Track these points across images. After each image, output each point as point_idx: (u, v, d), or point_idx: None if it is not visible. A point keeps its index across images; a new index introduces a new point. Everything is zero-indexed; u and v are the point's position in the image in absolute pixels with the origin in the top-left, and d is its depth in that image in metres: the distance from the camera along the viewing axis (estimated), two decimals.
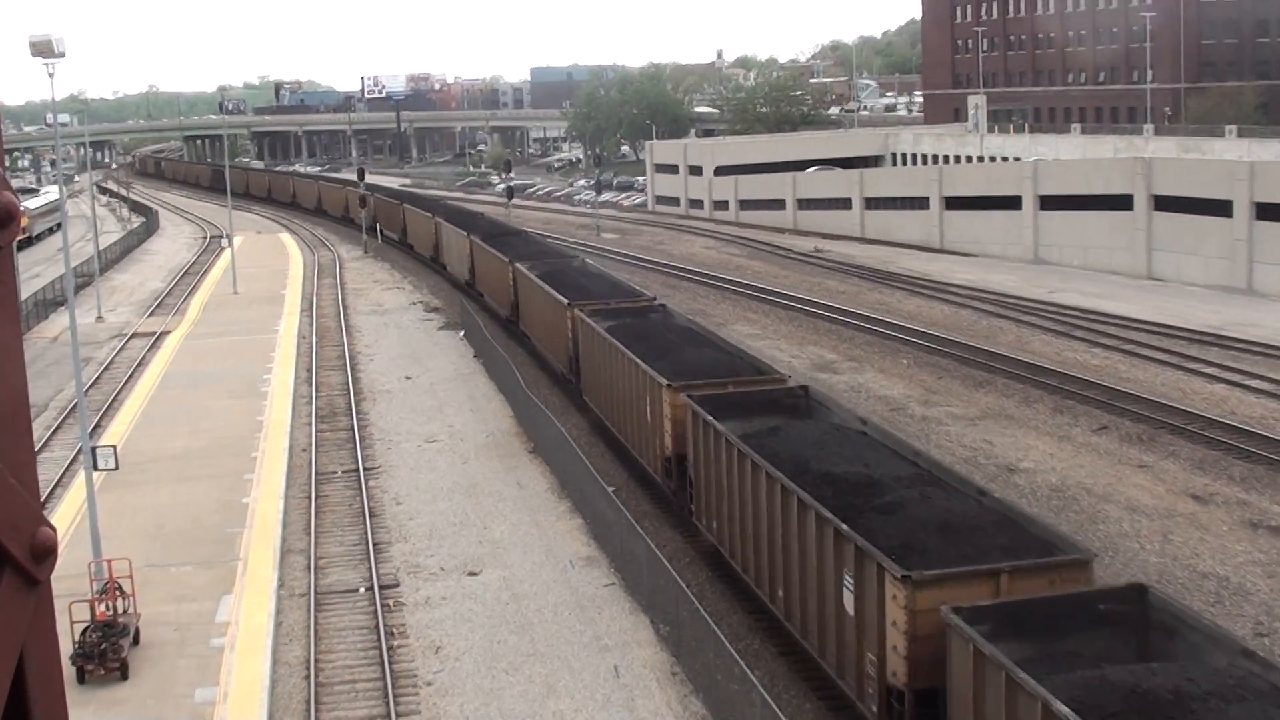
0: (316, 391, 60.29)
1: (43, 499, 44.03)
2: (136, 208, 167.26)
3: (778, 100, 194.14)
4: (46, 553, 3.46)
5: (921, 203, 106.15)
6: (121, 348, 73.60)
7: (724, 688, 27.67)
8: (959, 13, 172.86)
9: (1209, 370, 57.31)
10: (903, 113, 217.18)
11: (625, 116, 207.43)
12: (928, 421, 51.53)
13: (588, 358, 51.02)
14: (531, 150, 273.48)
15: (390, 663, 31.49)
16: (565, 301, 54.61)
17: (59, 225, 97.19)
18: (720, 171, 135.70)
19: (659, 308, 53.84)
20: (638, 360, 42.04)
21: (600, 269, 68.39)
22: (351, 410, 56.50)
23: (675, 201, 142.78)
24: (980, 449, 47.58)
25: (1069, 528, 36.15)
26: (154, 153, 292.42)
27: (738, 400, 36.62)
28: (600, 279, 63.16)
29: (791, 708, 27.91)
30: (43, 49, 41.59)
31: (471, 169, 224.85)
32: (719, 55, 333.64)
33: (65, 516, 41.43)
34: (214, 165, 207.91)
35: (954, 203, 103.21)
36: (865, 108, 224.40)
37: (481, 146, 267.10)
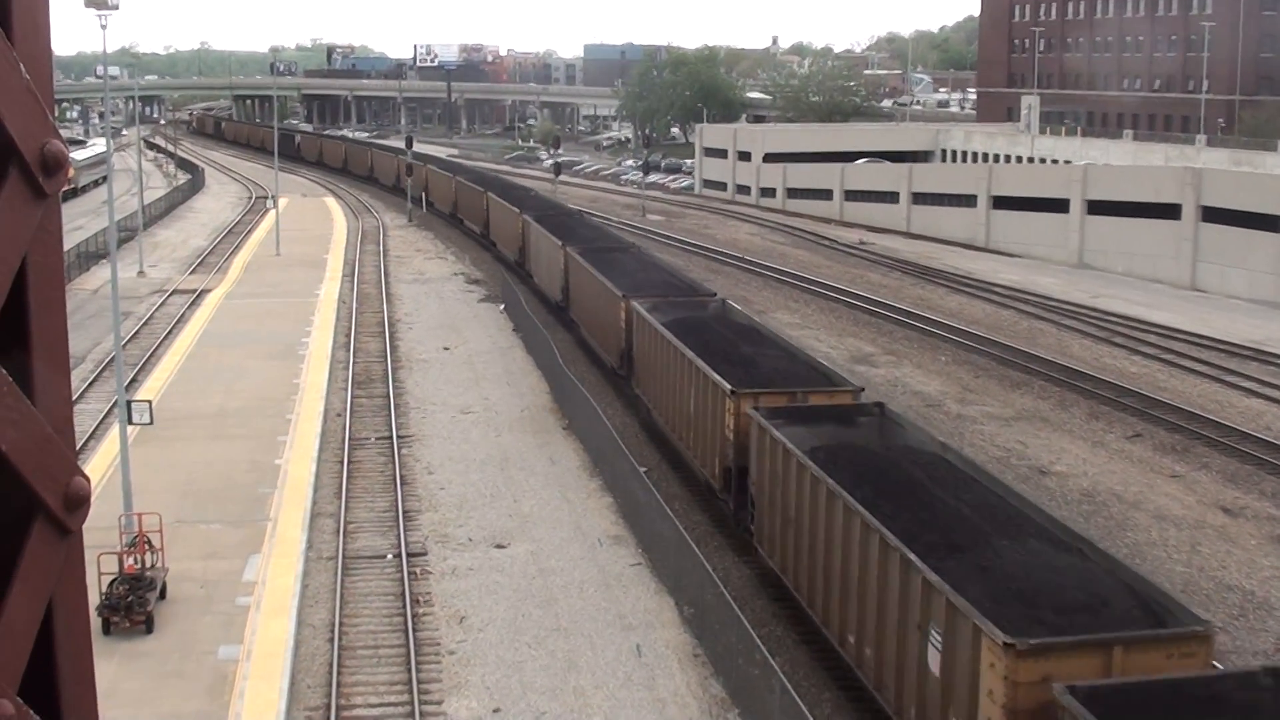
0: (354, 357, 60.44)
1: (77, 450, 44.61)
2: (183, 164, 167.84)
3: (830, 90, 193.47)
4: (79, 502, 3.50)
5: (969, 200, 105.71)
6: (161, 303, 73.91)
7: (745, 672, 27.71)
8: (1017, 11, 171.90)
9: (1247, 384, 57.00)
10: (955, 109, 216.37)
11: (677, 98, 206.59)
12: (963, 420, 51.42)
13: (771, 487, 32.79)
14: (581, 127, 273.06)
15: (414, 630, 31.62)
16: (727, 387, 36.58)
17: (104, 178, 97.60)
18: (769, 158, 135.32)
19: (875, 408, 35.48)
20: (912, 558, 24.41)
21: (751, 319, 49.59)
22: (388, 377, 56.63)
23: (722, 186, 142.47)
24: (1014, 450, 47.46)
25: (1098, 533, 36.09)
26: (205, 109, 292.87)
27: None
28: (762, 339, 44.15)
29: (810, 696, 27.92)
30: (97, 0, 41.75)
31: (520, 143, 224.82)
32: (774, 41, 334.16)
33: (98, 469, 41.66)
34: (284, 129, 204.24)
35: (1001, 202, 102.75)
36: (918, 102, 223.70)
37: (531, 121, 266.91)
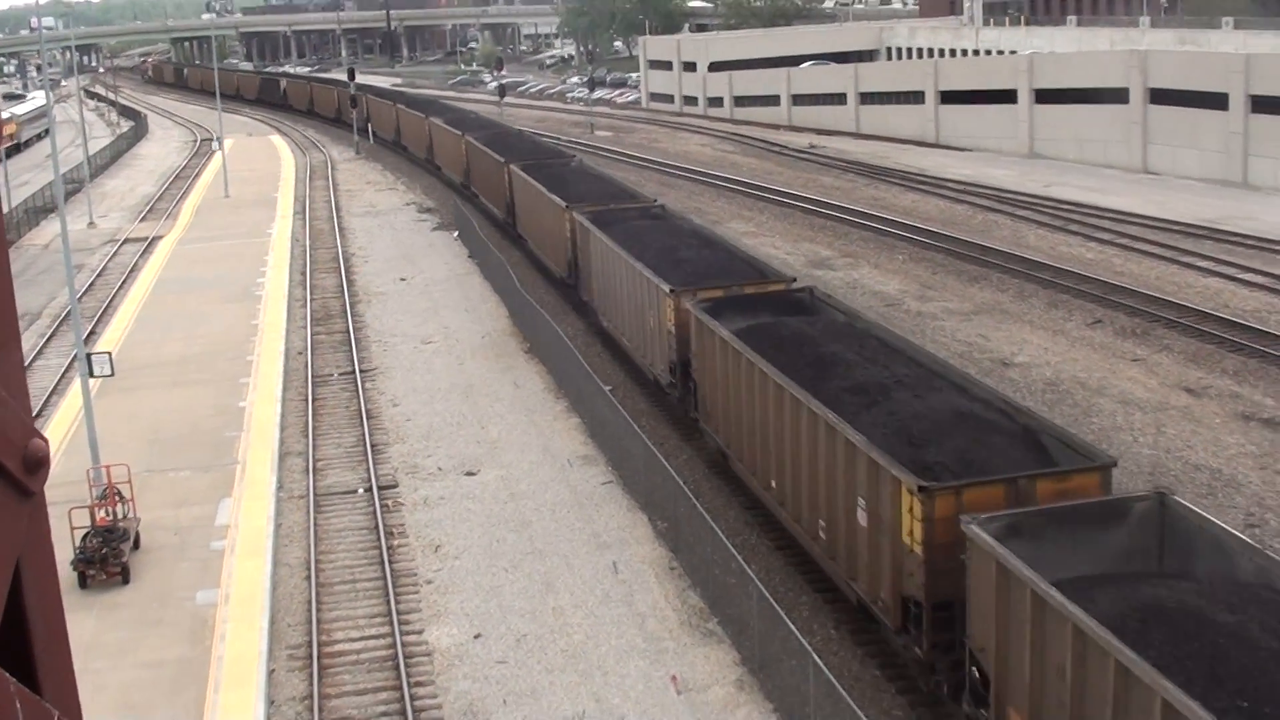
0: (311, 294, 60.25)
1: (38, 407, 43.90)
2: (125, 111, 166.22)
3: None
4: (39, 464, 3.47)
5: (917, 97, 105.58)
6: (114, 254, 73.45)
7: (721, 581, 27.91)
8: None
9: (1203, 264, 57.26)
10: (898, 6, 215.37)
11: (617, 11, 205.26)
12: (923, 317, 51.55)
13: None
14: (523, 47, 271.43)
15: (390, 562, 31.71)
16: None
17: (47, 131, 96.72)
18: (714, 67, 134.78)
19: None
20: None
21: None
22: (347, 312, 56.50)
23: (669, 98, 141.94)
24: (975, 344, 47.64)
25: (1063, 421, 36.29)
26: (143, 55, 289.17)
27: None
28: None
29: (787, 601, 28.12)
30: None
31: (463, 67, 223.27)
32: None
33: (62, 423, 41.52)
34: (262, 74, 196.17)
35: (949, 97, 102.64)
36: (861, 1, 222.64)
37: (473, 44, 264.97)
